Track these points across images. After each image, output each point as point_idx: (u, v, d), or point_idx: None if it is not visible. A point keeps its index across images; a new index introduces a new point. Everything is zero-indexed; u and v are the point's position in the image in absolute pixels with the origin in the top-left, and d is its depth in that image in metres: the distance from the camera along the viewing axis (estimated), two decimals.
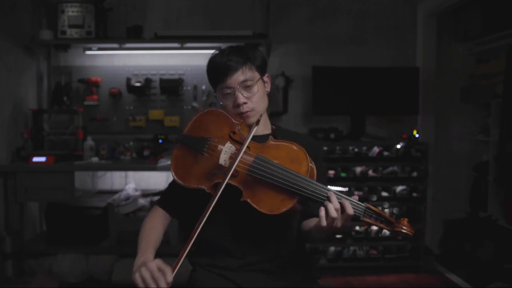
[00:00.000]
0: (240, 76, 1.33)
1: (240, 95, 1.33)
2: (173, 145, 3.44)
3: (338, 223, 1.15)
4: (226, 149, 1.26)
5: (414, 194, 3.35)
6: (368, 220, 1.18)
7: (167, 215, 1.45)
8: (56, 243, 3.06)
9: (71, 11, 3.28)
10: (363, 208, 1.18)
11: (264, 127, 1.42)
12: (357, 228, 3.31)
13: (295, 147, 1.25)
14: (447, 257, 3.46)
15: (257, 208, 1.19)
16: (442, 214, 3.68)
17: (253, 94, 1.35)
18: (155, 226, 1.40)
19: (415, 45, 3.71)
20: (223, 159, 1.24)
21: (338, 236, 3.30)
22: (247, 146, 1.26)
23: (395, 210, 1.16)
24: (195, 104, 3.55)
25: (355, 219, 1.17)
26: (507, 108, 3.07)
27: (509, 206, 3.18)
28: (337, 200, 1.15)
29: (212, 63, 1.37)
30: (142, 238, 1.34)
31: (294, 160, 1.23)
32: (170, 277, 1.11)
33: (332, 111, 3.55)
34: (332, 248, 3.33)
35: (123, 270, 3.02)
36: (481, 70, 3.60)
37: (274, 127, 1.47)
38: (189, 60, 3.58)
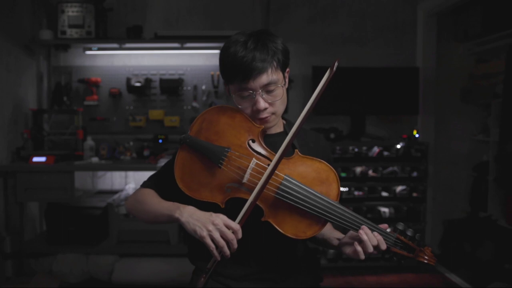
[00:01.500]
0: (264, 79, 1.14)
1: (261, 100, 1.16)
2: (173, 145, 3.45)
3: (370, 249, 1.09)
4: (251, 166, 1.12)
5: (414, 194, 3.35)
6: (395, 249, 1.12)
7: None
8: (56, 243, 3.06)
9: (71, 11, 3.28)
10: (393, 239, 1.12)
11: (276, 126, 1.29)
12: None
13: (324, 167, 1.14)
14: (447, 257, 3.46)
15: (280, 230, 1.10)
16: (442, 214, 3.68)
17: (276, 98, 1.18)
18: (155, 193, 1.27)
19: (415, 45, 3.71)
20: (247, 177, 1.11)
21: None
22: (270, 160, 1.13)
23: (417, 237, 1.12)
24: (195, 104, 3.55)
25: (386, 250, 1.11)
26: (507, 108, 3.07)
27: (509, 206, 3.18)
28: (372, 233, 1.08)
29: (233, 57, 1.14)
30: (154, 200, 1.22)
31: (323, 182, 1.13)
32: (240, 234, 1.05)
33: (332, 111, 3.55)
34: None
35: (123, 270, 3.02)
36: (481, 70, 3.60)
37: (285, 122, 1.35)
38: (189, 60, 3.58)
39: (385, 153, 3.35)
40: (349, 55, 3.64)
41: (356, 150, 3.32)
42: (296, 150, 1.19)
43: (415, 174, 3.35)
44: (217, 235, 1.04)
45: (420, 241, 1.15)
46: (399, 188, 3.38)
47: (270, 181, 1.10)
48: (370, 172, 3.35)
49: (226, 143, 1.16)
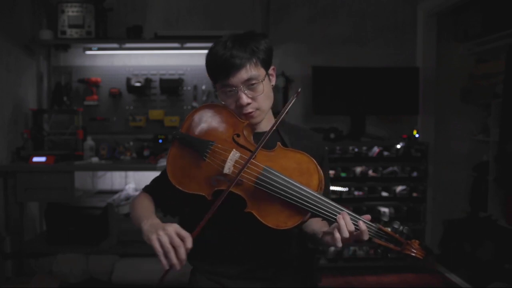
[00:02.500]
0: (244, 74, 1.20)
1: (243, 96, 1.21)
2: None
3: (350, 241, 1.10)
4: (232, 157, 1.16)
5: (414, 194, 3.35)
6: (378, 241, 1.12)
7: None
8: (56, 243, 3.06)
9: (71, 11, 3.28)
10: (375, 229, 1.12)
11: (267, 123, 1.32)
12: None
13: (305, 158, 1.16)
14: (447, 257, 3.46)
15: (262, 221, 1.12)
16: (442, 214, 3.68)
17: (258, 93, 1.22)
18: (150, 202, 1.33)
19: (415, 45, 3.71)
20: (228, 167, 1.15)
21: None
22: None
23: (405, 230, 1.09)
24: (195, 104, 3.55)
25: (367, 240, 1.10)
26: (507, 108, 3.07)
27: (509, 206, 3.18)
28: (352, 222, 1.09)
29: (214, 57, 1.24)
30: (139, 210, 1.27)
31: (304, 173, 1.14)
32: (189, 243, 1.06)
33: (332, 111, 3.55)
34: (332, 248, 3.33)
35: (123, 270, 3.02)
36: (481, 70, 3.60)
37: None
38: (189, 60, 3.58)
39: (385, 153, 3.35)
40: (349, 55, 3.64)
41: (356, 150, 3.32)
42: (278, 143, 1.21)
43: (415, 174, 3.35)
44: (164, 239, 1.05)
45: (408, 234, 1.12)
46: (399, 188, 3.38)
47: (250, 171, 1.14)
48: (370, 172, 3.35)
49: (213, 138, 1.22)
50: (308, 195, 1.10)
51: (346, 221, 1.08)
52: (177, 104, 3.58)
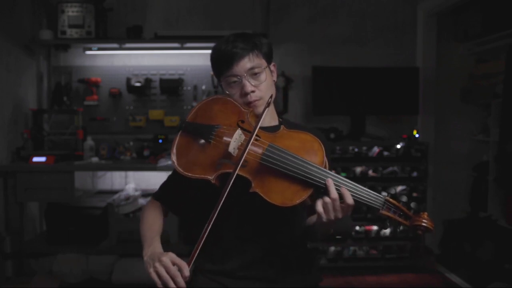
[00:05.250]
0: (247, 63, 1.26)
1: (247, 83, 1.26)
2: None
3: (339, 214, 1.10)
4: (236, 137, 1.17)
5: (414, 194, 3.35)
6: (387, 213, 1.12)
7: (164, 209, 1.41)
8: (56, 243, 3.06)
9: (71, 11, 3.28)
10: (382, 200, 1.12)
11: (271, 119, 1.36)
12: (357, 228, 3.31)
13: (309, 137, 1.19)
14: (447, 257, 3.46)
15: (268, 199, 1.12)
16: (442, 214, 3.68)
17: (261, 82, 1.28)
18: (156, 216, 1.36)
19: (415, 45, 3.71)
20: (233, 147, 1.15)
21: (338, 236, 3.30)
22: (257, 135, 1.18)
23: (412, 205, 1.09)
24: (195, 104, 3.53)
25: (373, 212, 1.12)
26: (507, 108, 3.07)
27: (509, 206, 3.18)
28: (336, 188, 1.10)
29: (217, 51, 1.30)
30: (145, 229, 1.31)
31: (308, 150, 1.17)
32: (187, 272, 1.08)
33: (332, 111, 3.55)
34: (332, 248, 3.33)
35: (123, 270, 3.02)
36: (481, 70, 3.60)
37: (281, 120, 1.41)
38: (189, 60, 3.57)
39: (385, 153, 3.35)
40: (349, 55, 3.64)
41: (356, 150, 3.32)
42: (282, 126, 1.26)
43: (415, 174, 3.35)
44: (161, 270, 1.09)
45: (417, 209, 1.13)
46: (399, 188, 3.38)
47: (255, 148, 1.16)
48: (370, 172, 3.35)
49: (218, 123, 1.26)
50: (313, 168, 1.12)
51: (329, 189, 1.09)
52: (177, 104, 3.58)
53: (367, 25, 3.68)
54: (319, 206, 1.10)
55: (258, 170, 1.15)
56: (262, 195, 1.13)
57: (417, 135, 3.46)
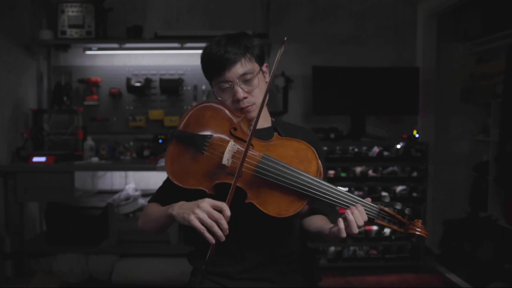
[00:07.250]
0: (239, 69, 1.23)
1: (239, 90, 1.23)
2: None
3: (355, 230, 1.09)
4: (230, 148, 1.17)
5: (414, 194, 3.35)
6: (381, 222, 1.12)
7: None
8: (56, 243, 3.06)
9: (71, 11, 3.28)
10: (377, 210, 1.12)
11: (264, 121, 1.34)
12: None
13: (303, 145, 1.18)
14: (447, 257, 3.46)
15: (263, 210, 1.12)
16: (442, 214, 3.68)
17: (253, 87, 1.25)
18: (158, 205, 1.33)
19: (415, 45, 3.71)
20: (226, 158, 1.15)
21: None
22: (251, 144, 1.16)
23: (407, 211, 1.09)
24: (195, 104, 3.54)
25: (369, 221, 1.11)
26: (507, 108, 3.07)
27: (509, 206, 3.18)
28: (352, 204, 1.10)
29: (208, 55, 1.26)
30: (155, 211, 1.28)
31: (302, 160, 1.16)
32: (228, 211, 1.07)
33: (332, 111, 3.55)
34: (332, 248, 3.34)
35: (123, 270, 3.02)
36: (481, 70, 3.60)
37: (273, 120, 1.40)
38: (189, 60, 3.58)
39: (385, 153, 3.35)
40: (349, 55, 3.64)
41: (356, 150, 3.32)
42: (275, 133, 1.25)
43: (415, 174, 3.35)
44: (204, 216, 1.07)
45: (411, 215, 1.13)
46: (399, 188, 3.38)
47: (249, 160, 1.15)
48: (370, 172, 3.35)
49: (210, 133, 1.24)
50: (308, 180, 1.11)
51: (355, 216, 1.08)
52: (177, 104, 3.58)
53: (367, 25, 3.68)
54: (340, 223, 1.09)
55: (253, 181, 1.15)
56: (257, 206, 1.13)
57: (417, 135, 3.46)
